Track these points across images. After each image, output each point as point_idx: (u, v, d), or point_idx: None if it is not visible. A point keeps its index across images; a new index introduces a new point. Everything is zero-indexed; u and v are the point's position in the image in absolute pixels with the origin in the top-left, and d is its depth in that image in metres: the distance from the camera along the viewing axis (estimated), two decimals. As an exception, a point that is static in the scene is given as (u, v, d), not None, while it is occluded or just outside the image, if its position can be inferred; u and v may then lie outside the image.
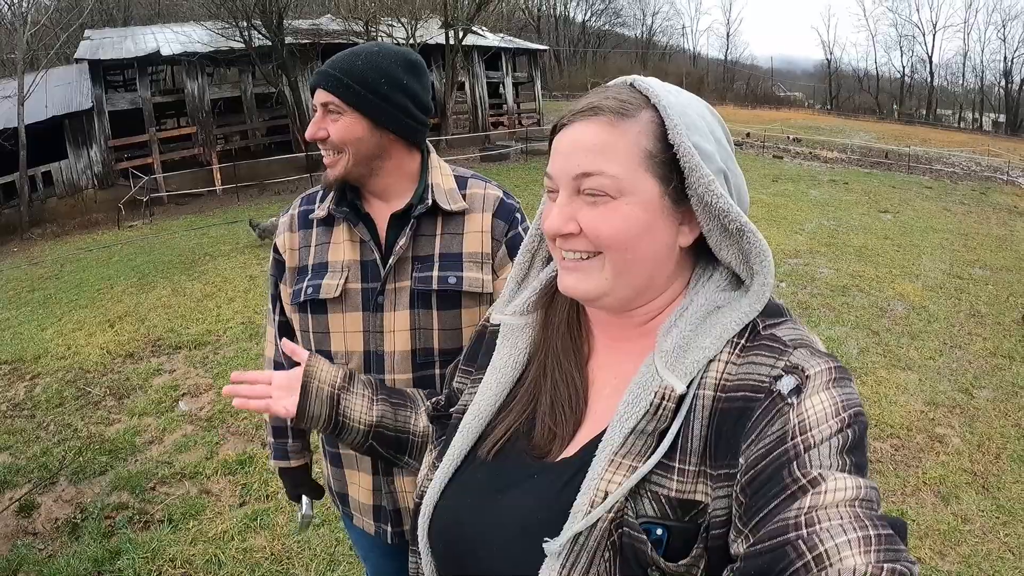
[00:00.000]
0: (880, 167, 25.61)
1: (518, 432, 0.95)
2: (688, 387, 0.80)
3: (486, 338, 1.10)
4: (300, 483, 1.96)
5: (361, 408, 1.22)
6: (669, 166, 0.83)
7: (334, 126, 1.51)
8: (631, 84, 0.89)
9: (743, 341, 0.83)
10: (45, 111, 21.96)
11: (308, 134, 1.53)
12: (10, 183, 21.57)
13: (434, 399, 1.17)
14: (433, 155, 1.67)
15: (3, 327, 9.12)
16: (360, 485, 1.72)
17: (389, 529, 1.71)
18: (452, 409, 1.07)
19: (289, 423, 1.84)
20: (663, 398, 0.80)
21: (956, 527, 3.86)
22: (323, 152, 1.55)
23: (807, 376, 0.76)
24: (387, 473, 1.67)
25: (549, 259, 1.07)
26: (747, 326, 0.84)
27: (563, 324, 1.00)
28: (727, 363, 0.82)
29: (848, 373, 0.79)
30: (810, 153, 28.66)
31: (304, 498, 2.00)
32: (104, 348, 7.54)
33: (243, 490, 4.31)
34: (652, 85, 0.87)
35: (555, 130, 0.89)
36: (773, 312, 0.86)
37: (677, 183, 0.84)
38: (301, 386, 1.21)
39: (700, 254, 0.92)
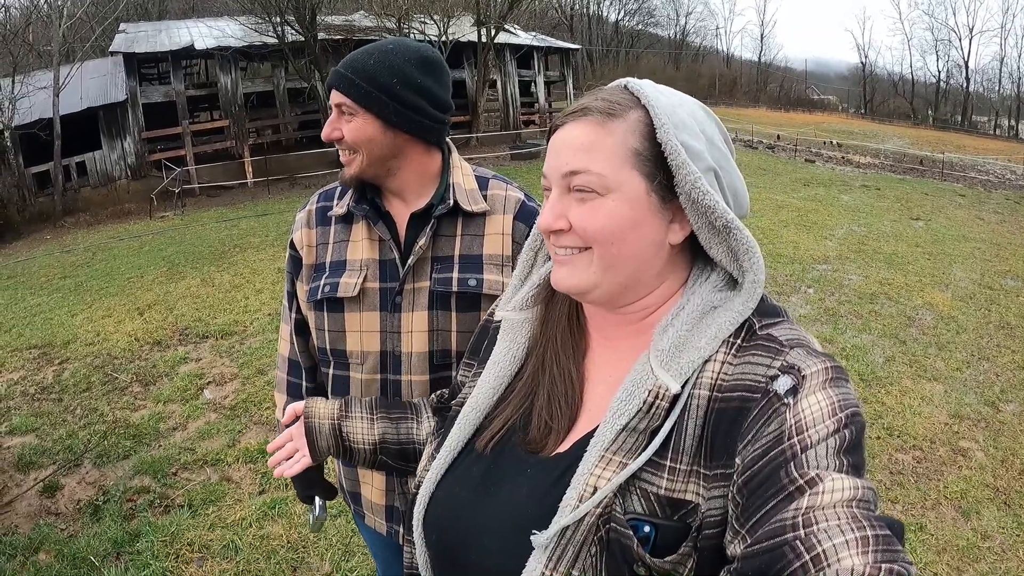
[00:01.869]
0: (913, 173, 25.25)
1: (515, 426, 0.96)
2: (683, 386, 0.81)
3: (489, 333, 1.12)
4: (312, 484, 1.90)
5: (362, 430, 1.26)
6: (655, 163, 0.85)
7: (347, 127, 1.50)
8: (624, 86, 0.91)
9: (739, 341, 0.84)
10: (80, 102, 22.42)
11: (324, 135, 1.53)
12: (45, 172, 22.07)
13: (439, 391, 1.19)
14: (455, 154, 1.65)
15: (34, 312, 9.30)
16: (373, 485, 1.71)
17: (401, 529, 1.69)
18: (452, 402, 1.09)
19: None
20: (656, 397, 0.81)
21: (975, 543, 3.79)
22: (340, 151, 1.55)
23: (803, 376, 0.76)
24: (400, 473, 1.67)
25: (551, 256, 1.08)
26: (743, 326, 0.85)
27: (563, 320, 1.01)
28: (723, 363, 0.82)
29: (845, 373, 0.78)
30: (842, 158, 28.34)
31: (317, 499, 1.94)
32: (132, 335, 7.65)
33: (263, 479, 4.36)
34: (643, 86, 0.89)
35: (551, 131, 0.92)
36: (769, 312, 0.87)
37: (664, 179, 0.85)
38: (305, 428, 1.28)
39: (698, 254, 0.93)
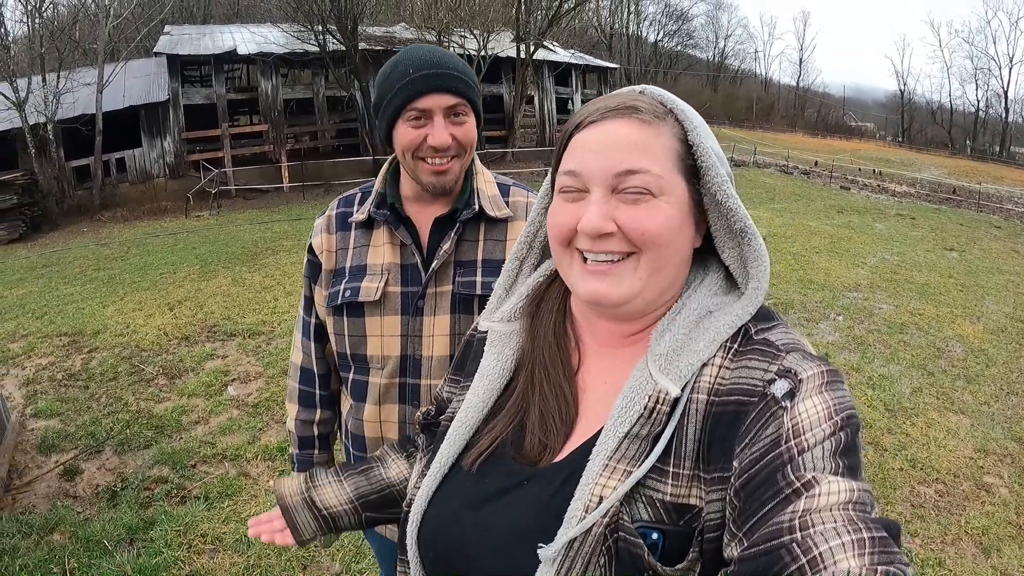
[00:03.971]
0: (949, 203, 24.90)
1: (504, 443, 0.94)
2: (682, 391, 0.81)
3: (474, 346, 1.10)
4: None
5: (335, 493, 1.24)
6: (691, 168, 0.85)
7: (461, 129, 1.48)
8: (641, 91, 0.90)
9: (736, 345, 0.83)
10: (123, 100, 22.88)
11: (440, 142, 1.45)
12: (85, 166, 22.50)
13: (424, 409, 1.18)
14: (477, 161, 1.64)
15: (67, 301, 9.48)
16: None
17: None
18: (440, 417, 1.07)
19: (316, 451, 1.83)
20: (657, 402, 0.80)
21: (995, 580, 3.72)
22: (435, 160, 1.49)
23: (800, 380, 0.76)
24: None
25: (536, 265, 1.07)
26: (740, 330, 0.85)
27: (549, 333, 0.99)
28: (720, 367, 0.82)
29: (840, 376, 0.78)
30: (878, 186, 28.03)
31: None
32: (161, 329, 7.77)
33: (280, 476, 4.38)
34: (664, 93, 0.89)
35: (578, 127, 0.88)
36: (765, 316, 0.87)
37: (696, 182, 0.86)
38: (280, 509, 1.25)
39: (694, 259, 0.93)
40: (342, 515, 1.23)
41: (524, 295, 1.04)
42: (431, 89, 1.43)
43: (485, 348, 1.03)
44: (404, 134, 1.47)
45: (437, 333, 1.56)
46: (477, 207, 1.56)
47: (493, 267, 1.56)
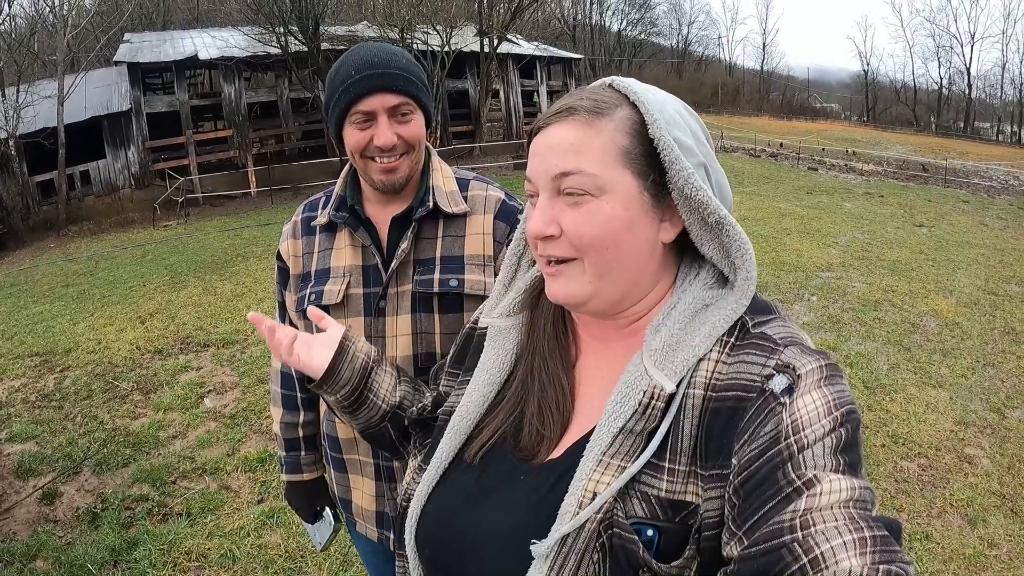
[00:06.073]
0: (916, 180, 25.24)
1: (505, 434, 0.94)
2: (677, 386, 0.80)
3: (473, 341, 1.10)
4: (316, 495, 1.89)
5: (388, 387, 1.15)
6: (646, 161, 0.84)
7: (406, 128, 1.48)
8: (609, 84, 0.90)
9: (733, 340, 0.82)
10: (84, 111, 22.55)
11: (384, 143, 1.45)
12: (49, 180, 22.18)
13: (420, 404, 1.16)
14: (435, 157, 1.65)
15: (36, 320, 9.31)
16: (363, 491, 1.70)
17: (392, 536, 1.68)
18: (439, 411, 1.06)
19: (303, 452, 1.83)
20: (652, 397, 0.79)
21: (982, 551, 3.75)
22: (383, 159, 1.49)
23: (799, 375, 0.75)
24: (390, 479, 1.66)
25: (535, 261, 1.05)
26: (736, 324, 0.84)
27: (549, 325, 0.99)
28: (717, 362, 0.81)
29: (840, 370, 0.78)
30: (845, 165, 28.35)
31: (327, 511, 1.90)
32: (134, 344, 7.65)
33: (262, 487, 4.34)
34: (630, 84, 0.88)
35: (532, 134, 0.90)
36: (762, 310, 0.86)
37: (656, 177, 0.84)
38: (338, 347, 1.11)
39: (685, 252, 0.92)
40: (373, 407, 1.13)
41: (523, 289, 1.04)
42: (373, 89, 1.44)
43: (485, 343, 1.03)
44: (351, 136, 1.49)
45: (400, 333, 1.56)
46: (432, 204, 1.56)
47: (452, 264, 1.57)
